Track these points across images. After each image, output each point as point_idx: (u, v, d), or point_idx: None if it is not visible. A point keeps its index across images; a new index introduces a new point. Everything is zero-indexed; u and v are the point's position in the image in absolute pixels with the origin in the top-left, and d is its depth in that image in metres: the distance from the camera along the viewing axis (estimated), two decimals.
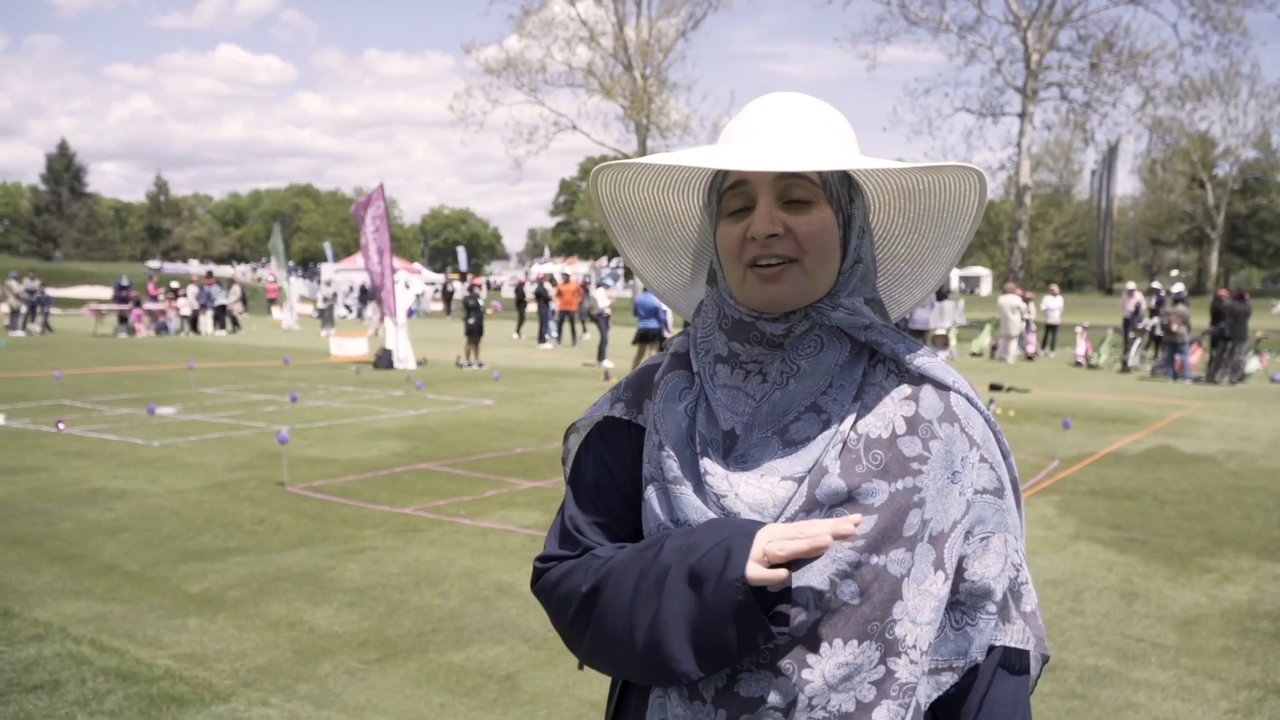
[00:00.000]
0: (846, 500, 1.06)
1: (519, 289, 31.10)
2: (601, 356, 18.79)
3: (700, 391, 1.17)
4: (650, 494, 1.16)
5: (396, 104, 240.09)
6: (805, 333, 1.12)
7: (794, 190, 1.09)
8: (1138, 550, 6.13)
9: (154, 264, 33.81)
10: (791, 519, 1.07)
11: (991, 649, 1.13)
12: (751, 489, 1.09)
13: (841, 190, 1.13)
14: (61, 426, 10.37)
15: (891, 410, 1.11)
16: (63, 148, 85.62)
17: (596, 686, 4.02)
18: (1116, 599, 5.17)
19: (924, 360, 1.14)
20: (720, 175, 1.15)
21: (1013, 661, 1.14)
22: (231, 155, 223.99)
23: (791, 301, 1.11)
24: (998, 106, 33.45)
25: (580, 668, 1.21)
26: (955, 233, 1.21)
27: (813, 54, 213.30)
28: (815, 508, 1.07)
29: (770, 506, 1.08)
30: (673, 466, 1.14)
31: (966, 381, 1.16)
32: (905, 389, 1.13)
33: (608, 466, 1.23)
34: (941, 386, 1.14)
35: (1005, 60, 32.37)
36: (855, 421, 1.10)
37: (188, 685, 3.96)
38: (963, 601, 1.11)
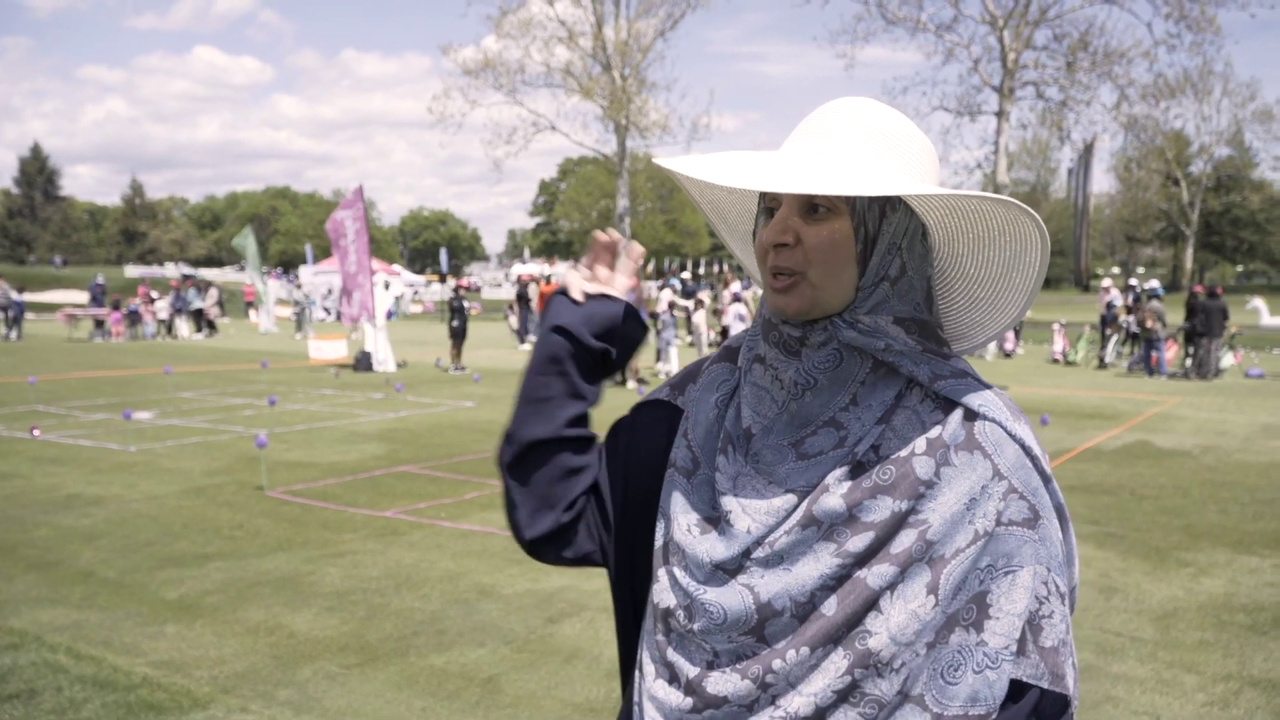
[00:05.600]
0: (846, 520, 1.04)
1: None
2: (659, 358, 17.73)
3: (736, 386, 1.18)
4: (666, 477, 1.18)
5: (374, 105, 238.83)
6: (822, 345, 1.10)
7: (816, 199, 1.06)
8: (1115, 545, 6.19)
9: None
10: (788, 532, 1.06)
11: (1028, 691, 1.05)
12: (752, 492, 1.09)
13: (870, 204, 1.08)
14: (36, 433, 10.26)
15: (917, 435, 1.07)
16: (36, 151, 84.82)
17: (579, 688, 4.01)
18: (1095, 594, 5.21)
19: (953, 383, 1.08)
20: None
21: (1046, 709, 1.06)
22: (208, 157, 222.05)
23: (801, 313, 1.09)
24: (975, 105, 33.59)
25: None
26: (1024, 259, 1.15)
27: (792, 53, 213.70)
28: (812, 524, 1.05)
29: (764, 514, 1.07)
30: (689, 456, 1.16)
31: (1004, 406, 1.09)
32: (938, 414, 1.08)
33: (637, 440, 1.26)
34: (969, 413, 1.08)
35: (982, 59, 32.51)
36: (875, 441, 1.08)
37: (166, 692, 3.92)
38: (986, 642, 1.03)
